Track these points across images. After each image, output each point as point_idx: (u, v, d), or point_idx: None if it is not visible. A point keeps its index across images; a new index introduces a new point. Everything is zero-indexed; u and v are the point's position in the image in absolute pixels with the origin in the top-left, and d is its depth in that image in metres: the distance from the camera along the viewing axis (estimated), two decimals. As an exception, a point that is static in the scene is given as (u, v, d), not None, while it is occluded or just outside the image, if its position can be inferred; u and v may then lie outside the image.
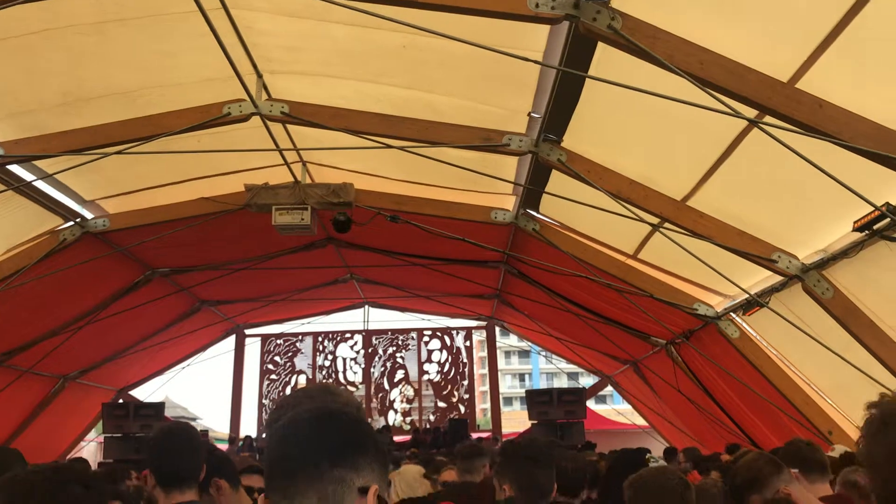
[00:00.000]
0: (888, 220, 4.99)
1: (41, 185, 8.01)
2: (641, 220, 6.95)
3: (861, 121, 4.53)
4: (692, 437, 11.72)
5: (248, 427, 17.17)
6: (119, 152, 7.09)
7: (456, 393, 17.16)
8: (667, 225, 6.97)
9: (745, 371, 8.39)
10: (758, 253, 6.61)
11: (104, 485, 2.13)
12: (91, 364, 13.12)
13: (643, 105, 5.48)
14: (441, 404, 17.18)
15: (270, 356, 17.57)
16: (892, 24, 4.20)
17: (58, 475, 1.83)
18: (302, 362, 17.55)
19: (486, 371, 19.33)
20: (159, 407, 12.98)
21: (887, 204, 4.87)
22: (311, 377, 17.37)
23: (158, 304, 12.17)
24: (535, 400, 12.94)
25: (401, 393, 17.41)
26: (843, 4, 4.14)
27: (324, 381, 17.27)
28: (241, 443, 15.74)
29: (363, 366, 17.52)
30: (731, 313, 8.35)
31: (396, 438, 16.27)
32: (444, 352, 17.47)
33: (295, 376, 17.45)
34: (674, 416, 12.78)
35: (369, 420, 12.32)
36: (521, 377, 68.70)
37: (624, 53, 4.89)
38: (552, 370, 49.67)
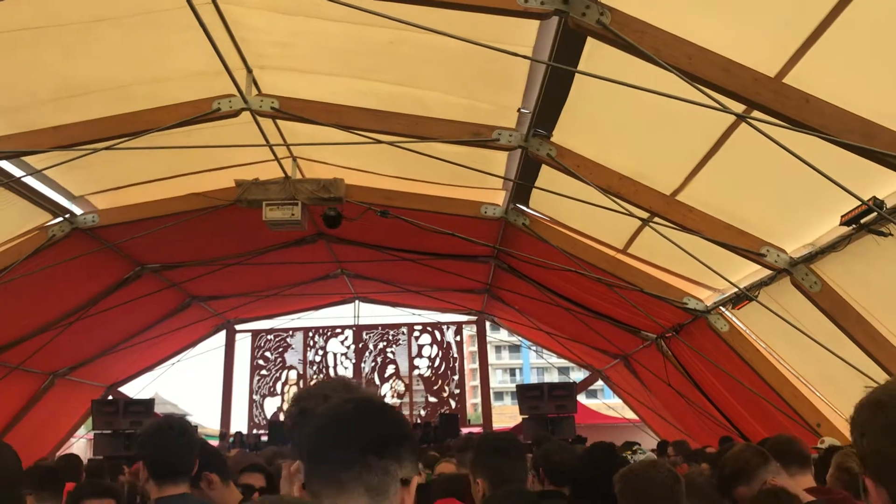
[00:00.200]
0: (875, 213, 5.02)
1: (30, 180, 7.97)
2: (631, 215, 6.97)
3: (848, 115, 4.56)
4: (682, 430, 11.77)
5: (239, 423, 17.16)
6: (108, 148, 7.05)
7: (446, 388, 17.18)
8: (656, 219, 7.00)
9: (734, 365, 8.44)
10: (747, 247, 6.65)
11: None
12: (80, 360, 13.08)
13: (633, 100, 5.50)
14: (432, 399, 17.19)
15: (261, 352, 17.53)
16: (879, 19, 4.23)
17: None
18: (292, 358, 17.52)
19: (476, 366, 19.36)
20: (149, 403, 12.97)
21: (874, 198, 4.91)
22: (301, 373, 17.35)
23: (148, 300, 12.13)
24: (526, 394, 12.97)
25: (391, 388, 17.40)
26: None
27: (314, 375, 17.27)
28: (231, 439, 15.71)
29: (354, 361, 17.50)
30: (721, 307, 8.39)
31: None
32: (435, 347, 17.48)
33: (285, 372, 17.42)
34: (664, 410, 12.84)
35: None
36: (512, 372, 68.83)
37: (613, 49, 4.91)
38: (543, 365, 49.79)
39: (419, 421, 16.85)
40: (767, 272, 6.96)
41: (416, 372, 17.37)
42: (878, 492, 1.28)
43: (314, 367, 17.37)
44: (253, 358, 17.53)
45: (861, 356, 6.01)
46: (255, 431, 16.69)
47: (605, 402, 23.51)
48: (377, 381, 17.38)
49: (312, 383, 2.35)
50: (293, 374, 17.39)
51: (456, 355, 17.48)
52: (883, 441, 1.27)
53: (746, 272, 7.34)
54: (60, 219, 8.99)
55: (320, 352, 17.56)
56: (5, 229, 8.49)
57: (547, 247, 8.79)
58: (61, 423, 14.06)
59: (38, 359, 11.11)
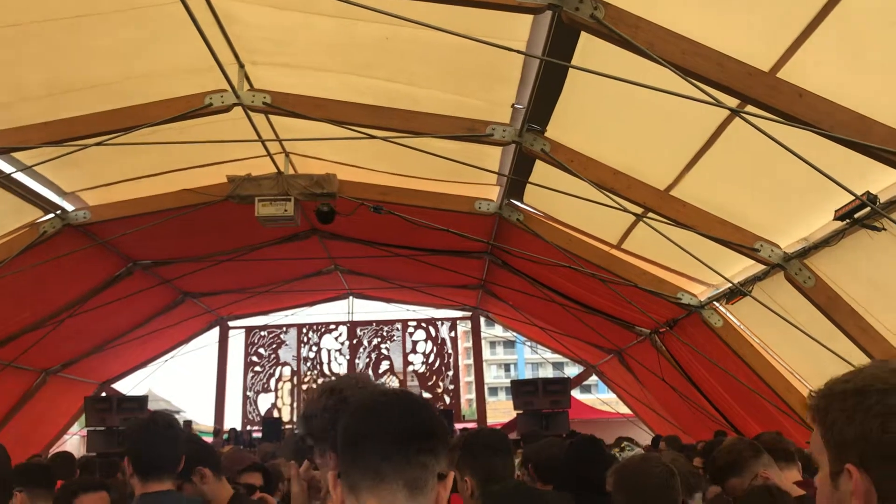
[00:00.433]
0: (868, 208, 5.03)
1: (20, 177, 7.93)
2: (625, 210, 6.97)
3: (841, 110, 4.55)
4: (676, 425, 11.80)
5: (233, 419, 17.14)
6: (100, 143, 7.02)
7: (441, 384, 17.18)
8: (650, 215, 7.00)
9: (728, 359, 8.45)
10: (740, 242, 6.65)
11: None
12: (73, 357, 13.04)
13: (627, 95, 5.49)
14: (426, 395, 17.18)
15: (254, 348, 17.51)
16: (873, 13, 4.22)
17: None
18: (286, 354, 17.50)
19: (471, 361, 19.34)
20: (143, 400, 12.93)
21: (867, 193, 4.91)
22: (295, 369, 17.34)
23: (141, 297, 12.09)
24: (521, 390, 12.98)
25: (386, 384, 17.40)
26: (825, -6, 4.16)
27: (308, 371, 17.26)
28: (225, 435, 15.69)
29: (348, 357, 17.49)
30: (715, 302, 8.40)
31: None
32: (429, 342, 17.48)
33: (279, 368, 17.40)
34: (658, 405, 12.87)
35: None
36: (507, 367, 68.98)
37: (607, 43, 4.89)
38: (537, 360, 49.88)
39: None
40: (761, 267, 6.97)
41: (410, 368, 17.37)
42: (862, 479, 1.29)
43: (308, 364, 17.36)
44: (246, 354, 17.51)
45: (854, 350, 6.02)
46: (248, 428, 16.67)
47: (599, 398, 23.55)
48: (371, 378, 17.34)
49: (334, 379, 2.32)
50: (287, 371, 17.38)
51: (450, 351, 17.49)
52: (872, 422, 1.29)
53: (740, 267, 7.34)
54: (52, 215, 8.94)
55: (314, 348, 17.55)
56: (-4, 226, 8.45)
57: (541, 242, 8.78)
58: (54, 421, 14.01)
59: (31, 356, 11.06)
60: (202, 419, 20.49)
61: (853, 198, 4.93)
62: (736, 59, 4.73)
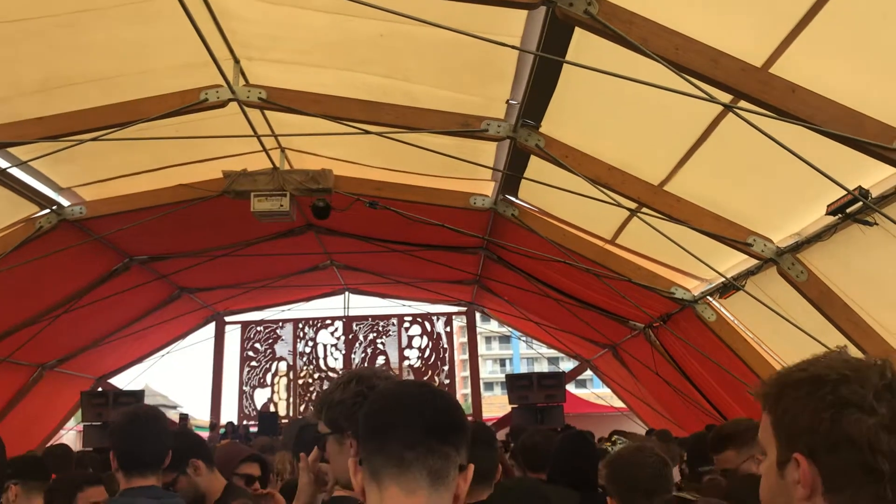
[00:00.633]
0: (860, 203, 5.06)
1: (16, 172, 7.93)
2: (619, 206, 6.99)
3: (834, 105, 4.59)
4: (670, 419, 11.85)
5: (229, 414, 17.16)
6: (95, 139, 7.02)
7: (437, 378, 17.20)
8: (644, 210, 7.03)
9: (721, 354, 8.49)
10: (733, 237, 6.69)
11: None
12: (69, 352, 13.03)
13: (621, 90, 5.51)
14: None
15: (251, 343, 17.51)
16: (865, 8, 4.25)
17: None
18: (282, 349, 17.51)
19: (466, 356, 19.36)
20: (139, 395, 12.92)
21: (859, 187, 4.95)
22: (291, 364, 17.36)
23: (137, 292, 12.09)
24: (516, 384, 13.00)
25: (382, 379, 17.40)
26: (816, -10, 4.19)
27: (304, 366, 17.27)
28: (222, 429, 15.72)
29: (344, 352, 17.51)
30: (708, 297, 8.44)
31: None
32: (425, 338, 17.49)
33: (275, 363, 17.41)
34: (652, 399, 12.92)
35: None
36: (502, 362, 69.09)
37: (601, 39, 4.92)
38: (532, 355, 49.94)
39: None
40: (754, 262, 7.00)
41: (406, 363, 17.39)
42: (809, 468, 1.30)
43: (304, 359, 17.38)
44: (242, 349, 17.51)
45: (847, 345, 6.05)
46: (245, 422, 16.69)
47: (594, 392, 23.62)
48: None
49: (350, 371, 2.36)
50: (283, 366, 17.39)
51: (446, 346, 17.51)
52: (824, 412, 1.30)
53: (733, 262, 7.38)
54: (47, 210, 8.94)
55: (310, 343, 17.56)
56: (-8, 221, 8.46)
57: (536, 237, 8.81)
58: (50, 416, 14.01)
59: (27, 351, 11.06)
60: (199, 414, 20.52)
61: (845, 192, 4.96)
62: (729, 55, 4.76)
